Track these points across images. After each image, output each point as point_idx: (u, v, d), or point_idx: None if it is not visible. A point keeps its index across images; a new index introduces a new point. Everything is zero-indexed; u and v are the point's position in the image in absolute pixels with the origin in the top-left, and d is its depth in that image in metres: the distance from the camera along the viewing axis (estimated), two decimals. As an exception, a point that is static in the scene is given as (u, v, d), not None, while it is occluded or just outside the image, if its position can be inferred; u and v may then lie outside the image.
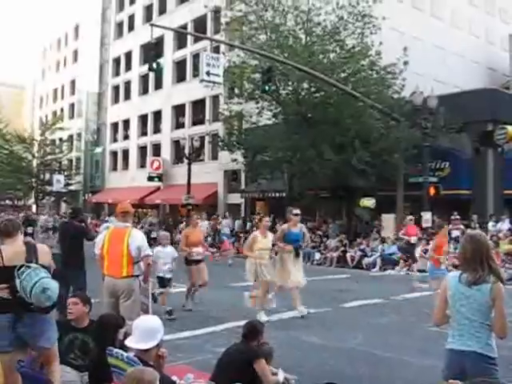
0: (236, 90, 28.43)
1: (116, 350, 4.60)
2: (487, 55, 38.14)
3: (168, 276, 10.86)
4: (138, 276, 7.25)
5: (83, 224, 10.90)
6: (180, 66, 44.37)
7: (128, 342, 4.62)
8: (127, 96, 52.27)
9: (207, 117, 38.94)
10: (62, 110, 65.88)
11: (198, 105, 41.84)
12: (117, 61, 54.36)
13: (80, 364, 5.66)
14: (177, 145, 41.53)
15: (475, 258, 4.12)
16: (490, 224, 21.91)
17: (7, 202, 63.90)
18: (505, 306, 4.04)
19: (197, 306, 11.56)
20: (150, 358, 4.58)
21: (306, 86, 25.51)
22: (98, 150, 56.64)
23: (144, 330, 4.58)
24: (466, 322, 4.13)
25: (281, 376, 5.58)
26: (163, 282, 10.72)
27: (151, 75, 43.63)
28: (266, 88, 21.48)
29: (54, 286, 4.78)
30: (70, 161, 60.26)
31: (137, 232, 7.47)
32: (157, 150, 46.77)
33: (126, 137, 52.27)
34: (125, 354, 4.50)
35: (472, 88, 27.30)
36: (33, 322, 4.91)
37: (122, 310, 6.97)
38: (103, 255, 7.31)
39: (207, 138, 36.91)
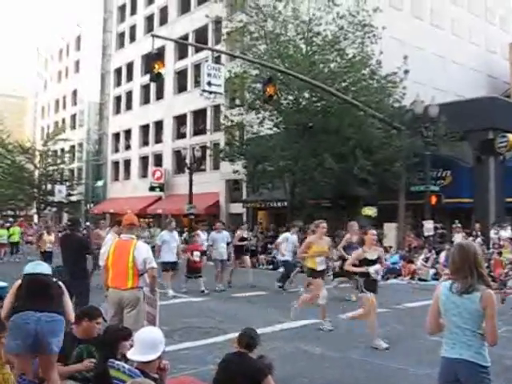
0: (237, 101, 28.52)
1: (117, 362, 4.60)
2: (487, 63, 38.25)
3: None
4: (142, 287, 7.27)
5: (87, 237, 10.96)
6: (181, 76, 44.51)
7: (129, 354, 4.61)
8: (129, 106, 52.44)
9: (208, 127, 39.04)
10: (63, 120, 66.07)
11: (199, 115, 41.94)
12: (118, 71, 54.57)
13: (83, 377, 5.65)
14: (178, 155, 41.59)
15: (464, 267, 4.19)
16: (492, 232, 21.89)
17: (9, 212, 63.95)
18: (495, 314, 4.07)
19: (199, 316, 11.55)
20: (152, 369, 4.58)
21: (306, 95, 25.57)
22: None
23: (145, 342, 4.58)
24: (457, 330, 4.19)
25: None
26: None
27: (152, 85, 43.84)
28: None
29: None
30: (72, 171, 60.35)
31: (142, 244, 7.48)
32: (158, 160, 46.84)
33: (128, 147, 52.38)
34: (126, 366, 4.50)
35: (472, 96, 27.34)
36: (50, 320, 5.06)
37: (126, 320, 6.97)
38: (108, 267, 7.32)
39: (208, 149, 36.97)
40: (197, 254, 15.55)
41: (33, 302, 5.09)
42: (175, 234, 15.60)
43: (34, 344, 4.97)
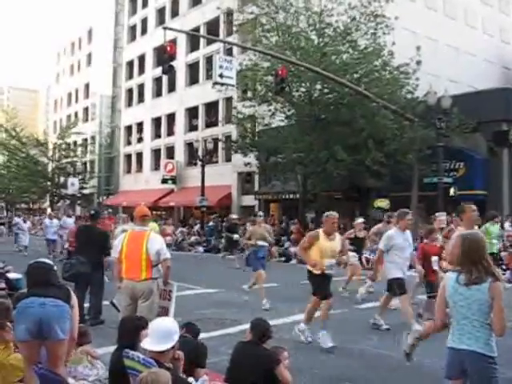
0: (249, 93, 28.50)
1: (132, 352, 4.63)
2: (501, 54, 37.90)
3: None
4: (156, 278, 7.31)
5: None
6: (193, 68, 44.51)
7: (144, 344, 4.65)
8: (141, 99, 52.53)
9: (220, 119, 39.06)
10: (76, 113, 66.32)
11: (211, 107, 41.95)
12: (130, 64, 54.64)
13: None
14: (190, 147, 41.69)
15: (469, 258, 4.18)
16: (507, 224, 21.76)
17: (22, 205, 64.46)
18: (503, 305, 4.08)
19: (213, 307, 11.60)
20: (166, 359, 4.61)
21: (318, 86, 25.49)
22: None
23: (160, 332, 4.61)
24: (465, 321, 4.19)
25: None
26: None
27: (164, 78, 43.86)
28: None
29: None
30: (85, 164, 60.64)
31: (155, 236, 7.49)
32: (170, 152, 46.94)
33: (140, 139, 52.52)
34: (141, 356, 4.53)
35: (486, 87, 27.14)
36: (55, 304, 5.00)
37: (140, 311, 6.99)
38: (121, 259, 7.33)
39: (220, 141, 37.00)
40: (435, 259, 9.93)
41: (37, 289, 5.06)
42: (408, 234, 9.79)
43: (39, 329, 4.91)
